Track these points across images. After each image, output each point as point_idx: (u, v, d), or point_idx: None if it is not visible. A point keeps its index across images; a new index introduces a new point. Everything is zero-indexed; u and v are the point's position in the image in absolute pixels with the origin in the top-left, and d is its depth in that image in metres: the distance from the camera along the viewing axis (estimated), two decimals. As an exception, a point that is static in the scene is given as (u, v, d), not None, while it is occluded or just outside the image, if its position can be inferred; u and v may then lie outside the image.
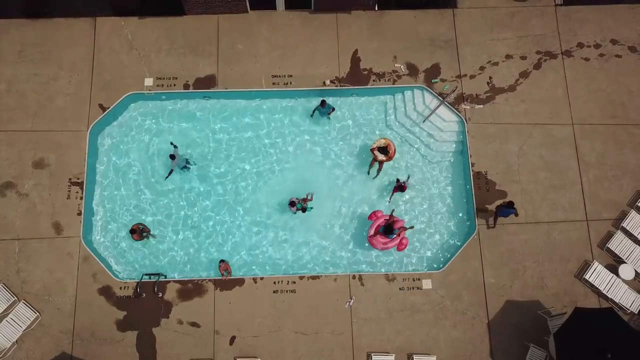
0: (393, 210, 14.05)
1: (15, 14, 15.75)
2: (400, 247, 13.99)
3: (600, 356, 11.60)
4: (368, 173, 15.01)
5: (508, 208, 13.60)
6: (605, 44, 15.81)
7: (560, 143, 15.04)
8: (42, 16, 15.76)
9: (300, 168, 15.21)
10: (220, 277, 13.93)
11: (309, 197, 14.25)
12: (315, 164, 15.27)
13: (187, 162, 14.71)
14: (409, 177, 14.42)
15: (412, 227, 14.27)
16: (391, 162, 14.99)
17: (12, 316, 13.46)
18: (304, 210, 14.30)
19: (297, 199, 14.14)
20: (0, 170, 14.62)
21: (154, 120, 15.47)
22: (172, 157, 13.97)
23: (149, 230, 14.32)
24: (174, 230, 14.78)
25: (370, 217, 14.19)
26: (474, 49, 15.73)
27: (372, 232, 13.91)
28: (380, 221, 13.94)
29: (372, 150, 14.51)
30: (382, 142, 14.50)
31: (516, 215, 13.80)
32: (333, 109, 14.99)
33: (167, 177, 14.58)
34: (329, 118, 15.33)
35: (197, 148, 15.30)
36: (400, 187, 14.22)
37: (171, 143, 14.20)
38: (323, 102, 14.59)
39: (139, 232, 13.83)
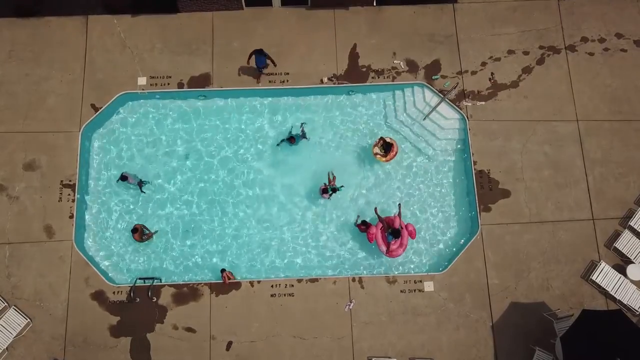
0: (375, 209, 13.81)
1: (5, 13, 15.43)
2: (412, 235, 13.64)
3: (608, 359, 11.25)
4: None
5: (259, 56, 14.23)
6: (609, 38, 15.44)
7: (564, 140, 14.67)
8: (33, 15, 15.43)
9: (299, 168, 14.84)
10: (220, 281, 13.61)
11: (332, 177, 13.98)
12: (314, 164, 14.88)
13: (141, 181, 14.34)
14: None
15: (399, 205, 13.90)
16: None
17: (2, 322, 13.08)
18: (335, 191, 13.96)
19: (324, 184, 13.85)
20: (-10, 172, 14.31)
21: (147, 120, 15.13)
22: (125, 177, 13.71)
23: (152, 235, 14.02)
24: (169, 233, 14.42)
25: (369, 238, 13.62)
26: (475, 44, 15.39)
27: (384, 248, 13.48)
28: (382, 234, 13.50)
29: (374, 153, 14.33)
30: (387, 140, 14.25)
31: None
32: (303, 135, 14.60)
33: (142, 192, 14.42)
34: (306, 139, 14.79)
35: (192, 148, 14.95)
36: (364, 223, 13.84)
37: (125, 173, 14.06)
38: (292, 138, 14.20)
39: (140, 231, 13.49)
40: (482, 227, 14.07)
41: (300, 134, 14.52)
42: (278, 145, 14.74)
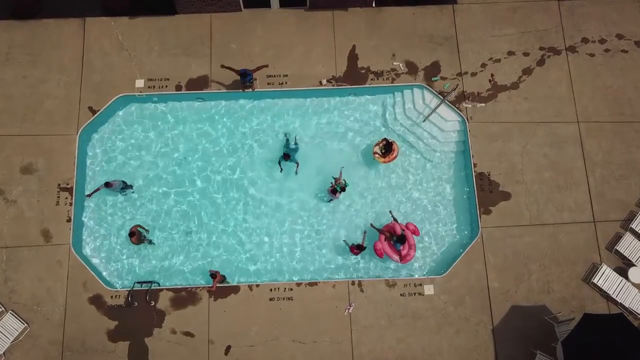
0: (371, 224, 13.76)
1: (2, 15, 15.33)
2: (416, 233, 13.63)
3: (610, 364, 11.19)
4: None
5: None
6: (610, 39, 15.34)
7: (565, 142, 14.57)
8: (30, 17, 15.32)
9: (298, 171, 14.74)
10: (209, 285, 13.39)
11: (339, 174, 13.87)
12: (313, 167, 14.79)
13: (125, 185, 14.20)
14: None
15: (390, 212, 13.85)
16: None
17: (-1, 327, 13.06)
18: (343, 189, 13.75)
19: (331, 184, 13.71)
20: (-13, 176, 14.21)
21: (145, 123, 15.03)
22: (109, 184, 13.49)
23: (149, 240, 13.97)
24: (167, 237, 14.33)
25: (378, 254, 13.48)
26: (474, 45, 15.28)
27: (396, 257, 13.39)
28: (388, 245, 13.41)
29: (373, 152, 14.23)
30: (390, 141, 14.16)
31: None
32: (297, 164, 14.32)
33: (125, 194, 14.37)
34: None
35: (191, 151, 14.86)
36: (358, 247, 13.53)
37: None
38: (286, 155, 13.96)
39: (138, 234, 13.39)
40: (483, 229, 13.98)
41: (293, 145, 14.33)
42: (280, 169, 14.27)
